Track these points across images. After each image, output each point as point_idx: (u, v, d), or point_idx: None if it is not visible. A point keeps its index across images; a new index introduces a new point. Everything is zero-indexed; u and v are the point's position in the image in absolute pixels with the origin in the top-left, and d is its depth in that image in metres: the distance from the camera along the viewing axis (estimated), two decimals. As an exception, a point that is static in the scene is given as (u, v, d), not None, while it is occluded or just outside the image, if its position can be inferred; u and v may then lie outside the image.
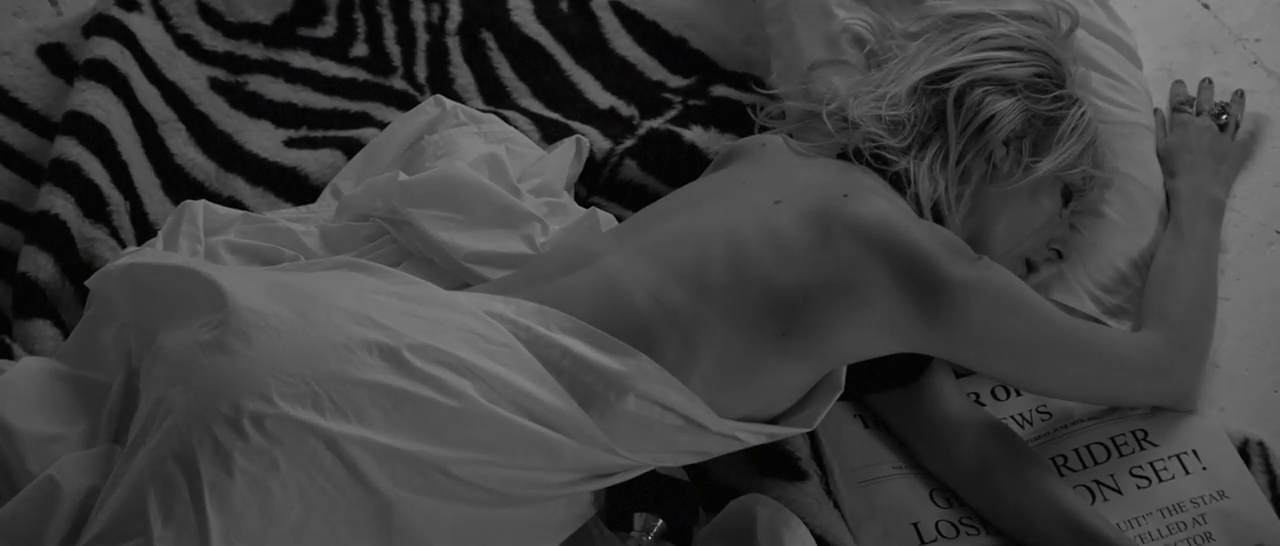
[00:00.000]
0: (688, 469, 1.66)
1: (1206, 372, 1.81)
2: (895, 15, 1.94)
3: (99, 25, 2.15)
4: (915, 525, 1.73)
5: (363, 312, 1.49)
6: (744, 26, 2.24)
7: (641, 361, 1.53)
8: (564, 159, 2.02)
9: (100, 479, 1.48)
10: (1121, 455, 1.78)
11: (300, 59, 2.22)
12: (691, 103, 2.15)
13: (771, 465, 1.72)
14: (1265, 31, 2.20)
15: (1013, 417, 1.84)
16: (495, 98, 2.19)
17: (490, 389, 1.47)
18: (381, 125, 2.11)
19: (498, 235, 1.85)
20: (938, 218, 1.74)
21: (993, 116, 1.75)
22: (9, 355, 1.78)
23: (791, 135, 1.87)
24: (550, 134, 2.08)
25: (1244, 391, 1.83)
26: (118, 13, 2.16)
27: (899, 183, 1.75)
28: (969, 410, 1.78)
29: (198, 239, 1.86)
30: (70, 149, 1.98)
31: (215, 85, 2.17)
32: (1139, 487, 1.75)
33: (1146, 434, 1.79)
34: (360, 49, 2.25)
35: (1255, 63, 2.16)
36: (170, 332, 1.50)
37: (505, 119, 2.08)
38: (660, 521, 1.61)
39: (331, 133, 2.13)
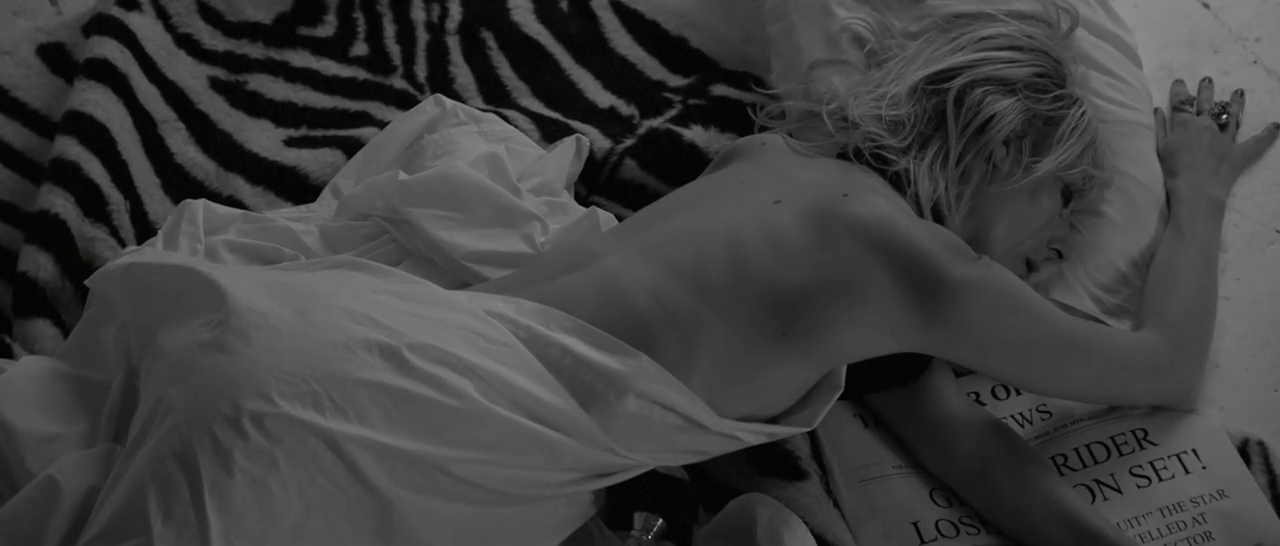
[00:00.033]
0: (688, 468, 1.66)
1: (1206, 372, 1.81)
2: (895, 15, 1.94)
3: (99, 24, 2.14)
4: (915, 524, 1.73)
5: (363, 312, 1.49)
6: (744, 26, 2.24)
7: (641, 361, 1.52)
8: (564, 158, 2.02)
9: (100, 478, 1.48)
10: (1121, 454, 1.78)
11: (300, 58, 2.22)
12: (691, 102, 2.14)
13: (771, 464, 1.71)
14: (1265, 31, 2.20)
15: (1013, 417, 1.84)
16: (495, 97, 2.19)
17: (490, 388, 1.47)
18: (381, 124, 2.11)
19: (498, 234, 1.85)
20: (938, 217, 1.74)
21: (993, 116, 1.75)
22: (9, 354, 1.78)
23: (791, 135, 1.87)
24: (550, 133, 2.08)
25: (1244, 391, 1.83)
26: (118, 12, 2.16)
27: (899, 182, 1.75)
28: (969, 410, 1.78)
29: (198, 238, 1.86)
30: (70, 148, 1.98)
31: (215, 84, 2.17)
32: (1139, 487, 1.75)
33: (1146, 433, 1.79)
34: (360, 48, 2.25)
35: (1255, 62, 2.16)
36: (170, 332, 1.50)
37: (505, 118, 2.08)
38: (660, 521, 1.60)
39: (331, 132, 2.12)
